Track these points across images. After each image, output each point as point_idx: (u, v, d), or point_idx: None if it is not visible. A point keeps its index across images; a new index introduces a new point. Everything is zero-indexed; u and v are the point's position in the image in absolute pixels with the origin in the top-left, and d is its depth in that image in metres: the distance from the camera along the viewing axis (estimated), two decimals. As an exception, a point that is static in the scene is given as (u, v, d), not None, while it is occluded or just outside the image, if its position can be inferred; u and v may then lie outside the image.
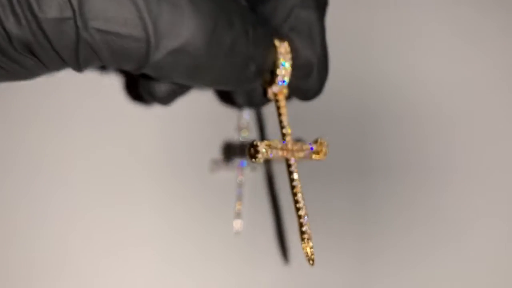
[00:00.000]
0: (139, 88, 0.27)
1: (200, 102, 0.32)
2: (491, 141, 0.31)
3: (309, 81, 0.25)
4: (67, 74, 0.32)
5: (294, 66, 0.24)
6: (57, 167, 0.31)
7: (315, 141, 0.25)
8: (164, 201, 0.31)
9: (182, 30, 0.20)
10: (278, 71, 0.24)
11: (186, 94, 0.28)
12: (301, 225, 0.23)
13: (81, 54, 0.20)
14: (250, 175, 0.32)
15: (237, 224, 0.31)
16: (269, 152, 0.23)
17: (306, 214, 0.23)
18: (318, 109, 0.32)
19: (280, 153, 0.24)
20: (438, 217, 0.30)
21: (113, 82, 0.32)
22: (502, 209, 0.31)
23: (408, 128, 0.32)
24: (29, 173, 0.31)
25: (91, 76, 0.32)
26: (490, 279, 0.29)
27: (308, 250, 0.23)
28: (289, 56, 0.24)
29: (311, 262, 0.23)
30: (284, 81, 0.25)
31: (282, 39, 0.24)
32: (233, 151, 0.32)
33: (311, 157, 0.25)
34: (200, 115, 0.33)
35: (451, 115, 0.32)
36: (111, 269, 0.30)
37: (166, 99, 0.27)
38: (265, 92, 0.26)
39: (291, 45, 0.24)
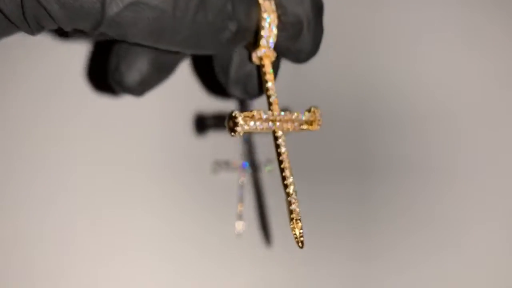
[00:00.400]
0: (108, 77, 0.25)
1: (201, 103, 0.32)
2: (492, 142, 0.31)
3: (300, 42, 0.22)
4: (67, 75, 0.32)
5: (280, 25, 0.22)
6: (57, 169, 0.31)
7: (308, 110, 0.22)
8: (166, 202, 0.31)
9: None
10: (263, 32, 0.22)
11: (160, 84, 0.26)
12: (289, 203, 0.21)
13: (27, 9, 0.18)
14: (252, 177, 0.32)
15: (239, 225, 0.31)
16: (250, 124, 0.21)
17: (294, 191, 0.21)
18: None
19: (264, 124, 0.21)
20: (438, 218, 0.30)
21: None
22: (502, 210, 0.31)
23: (408, 128, 0.32)
24: (29, 175, 0.31)
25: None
26: (490, 280, 0.30)
27: (297, 231, 0.21)
28: (274, 13, 0.22)
29: (300, 244, 0.21)
30: (270, 43, 0.22)
31: None
32: (235, 153, 0.32)
33: (302, 128, 0.22)
34: (201, 116, 0.32)
35: (452, 115, 0.32)
36: (112, 271, 0.30)
37: (137, 89, 0.25)
38: (250, 57, 0.23)
39: (279, 4, 0.22)
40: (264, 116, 0.21)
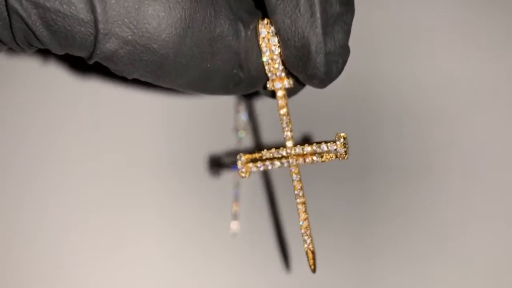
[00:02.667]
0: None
1: (197, 103, 0.32)
2: (492, 142, 0.31)
3: (311, 67, 0.18)
4: (67, 75, 0.32)
5: (285, 51, 0.18)
6: (56, 168, 0.31)
7: (333, 141, 0.20)
8: (161, 202, 0.31)
9: (142, 18, 0.16)
10: (265, 64, 0.19)
11: None
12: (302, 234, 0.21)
13: (17, 33, 0.17)
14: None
15: (234, 225, 0.31)
16: (259, 166, 0.20)
17: (309, 227, 0.21)
18: (318, 109, 0.31)
19: (276, 164, 0.20)
20: (438, 217, 0.30)
21: (114, 83, 0.32)
22: (501, 209, 0.30)
23: (408, 128, 0.31)
24: (29, 174, 0.31)
25: (91, 77, 0.32)
26: (490, 279, 0.29)
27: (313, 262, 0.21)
28: (275, 38, 0.18)
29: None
30: (277, 73, 0.19)
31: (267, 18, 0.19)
32: (230, 152, 0.32)
33: (323, 160, 0.20)
34: (198, 116, 0.32)
35: (451, 115, 0.31)
36: (108, 270, 0.30)
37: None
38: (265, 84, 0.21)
39: (278, 22, 0.18)
40: (275, 155, 0.20)
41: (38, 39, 0.17)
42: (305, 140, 0.31)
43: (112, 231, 0.31)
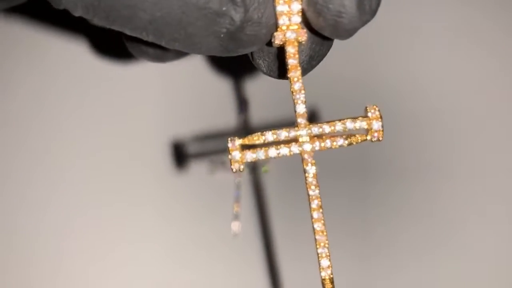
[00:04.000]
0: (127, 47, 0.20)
1: (199, 102, 0.32)
2: (491, 142, 0.31)
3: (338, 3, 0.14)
4: (67, 73, 0.32)
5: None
6: (56, 166, 0.31)
7: (362, 116, 0.15)
8: (162, 202, 0.31)
9: None
10: (279, 8, 0.14)
11: (182, 57, 0.19)
12: (318, 257, 0.15)
13: None
14: (248, 177, 0.31)
15: (235, 226, 0.31)
16: (249, 156, 0.14)
17: (326, 244, 0.15)
18: (317, 109, 0.31)
19: (282, 150, 0.14)
20: (438, 216, 0.30)
21: (113, 81, 0.32)
22: (501, 209, 0.31)
23: (407, 128, 0.32)
24: (28, 172, 0.31)
25: (91, 75, 0.32)
26: (490, 279, 0.30)
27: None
28: None
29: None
30: (293, 20, 0.14)
31: None
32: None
33: (352, 141, 0.15)
34: (199, 115, 0.32)
35: (451, 115, 0.32)
36: (108, 269, 0.30)
37: (153, 55, 0.18)
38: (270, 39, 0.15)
39: None
40: (283, 135, 0.14)
41: None
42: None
43: (112, 232, 0.31)
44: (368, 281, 0.30)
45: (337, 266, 0.29)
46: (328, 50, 0.16)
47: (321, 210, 0.15)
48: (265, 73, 0.16)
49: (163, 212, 0.31)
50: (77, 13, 0.14)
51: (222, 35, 0.14)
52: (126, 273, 0.30)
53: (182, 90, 0.32)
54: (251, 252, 0.30)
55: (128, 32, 0.14)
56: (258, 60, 0.16)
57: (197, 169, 0.32)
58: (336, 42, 0.20)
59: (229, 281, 0.30)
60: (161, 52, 0.18)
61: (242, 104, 0.31)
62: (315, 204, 0.15)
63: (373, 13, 0.14)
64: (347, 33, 0.14)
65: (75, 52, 0.31)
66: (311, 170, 0.15)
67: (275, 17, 0.14)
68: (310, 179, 0.15)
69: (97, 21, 0.14)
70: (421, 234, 0.30)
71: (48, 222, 0.30)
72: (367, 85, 0.32)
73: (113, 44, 0.26)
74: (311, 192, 0.15)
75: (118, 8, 0.13)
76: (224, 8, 0.13)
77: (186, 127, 0.32)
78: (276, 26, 0.14)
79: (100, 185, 0.31)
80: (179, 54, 0.19)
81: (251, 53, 0.16)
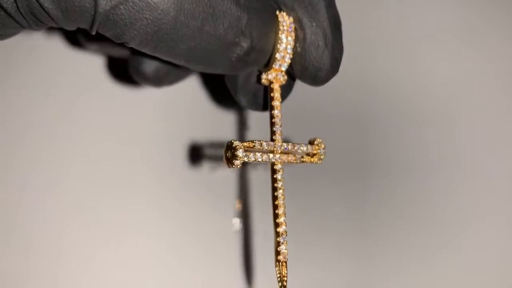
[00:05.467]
0: (128, 68, 0.24)
1: (201, 100, 0.32)
2: (492, 142, 0.31)
3: (319, 61, 0.20)
4: (66, 71, 0.32)
5: (298, 45, 0.20)
6: (55, 164, 0.31)
7: (311, 142, 0.21)
8: (164, 199, 0.31)
9: None
10: (277, 54, 0.20)
11: (181, 80, 0.25)
12: (277, 244, 0.19)
13: (20, 2, 0.17)
14: (249, 173, 0.32)
15: (236, 222, 0.31)
16: (249, 156, 0.19)
17: (285, 232, 0.19)
18: (317, 109, 0.31)
19: (264, 156, 0.19)
20: (438, 216, 0.30)
21: (113, 79, 0.32)
22: (501, 209, 0.31)
23: (408, 128, 0.32)
24: (27, 170, 0.31)
25: (91, 73, 0.32)
26: (490, 279, 0.30)
27: (282, 273, 0.19)
28: (292, 34, 0.20)
29: (282, 286, 0.19)
30: (283, 66, 0.20)
31: (286, 11, 0.20)
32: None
33: (303, 160, 0.21)
34: (201, 113, 0.32)
35: (452, 115, 0.32)
36: (109, 266, 0.30)
37: (156, 79, 0.23)
38: (259, 77, 0.21)
39: (296, 19, 0.20)
40: (266, 147, 0.19)
41: (40, 5, 0.17)
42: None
43: (115, 229, 0.31)
44: (368, 280, 0.30)
45: (337, 266, 0.30)
46: (290, 92, 0.22)
47: (283, 207, 0.19)
48: (244, 106, 0.22)
49: (164, 209, 0.31)
50: (131, 45, 0.18)
51: (235, 57, 0.19)
52: (128, 270, 0.30)
53: (183, 92, 0.32)
54: (252, 248, 0.31)
55: (165, 58, 0.19)
56: (239, 96, 0.22)
57: (199, 166, 0.32)
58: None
59: (231, 277, 0.30)
60: (163, 76, 0.23)
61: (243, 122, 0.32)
62: (281, 201, 0.19)
63: (337, 70, 0.21)
64: (323, 83, 0.21)
65: (76, 52, 0.31)
66: (278, 174, 0.20)
67: (271, 51, 0.20)
68: (279, 183, 0.20)
69: (144, 50, 0.18)
70: (421, 235, 0.30)
71: (48, 220, 0.30)
72: (367, 84, 0.32)
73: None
74: (277, 193, 0.19)
75: (166, 41, 0.18)
76: (237, 39, 0.19)
77: (186, 126, 0.32)
78: (270, 55, 0.20)
79: (99, 183, 0.31)
80: (176, 79, 0.24)
81: (234, 90, 0.22)
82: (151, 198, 0.31)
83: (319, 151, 0.21)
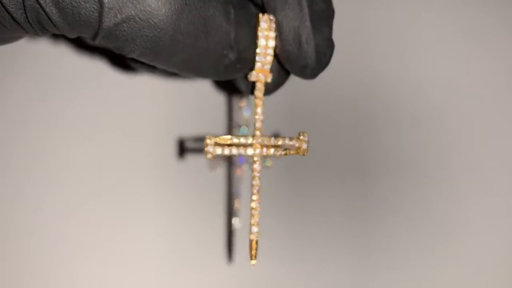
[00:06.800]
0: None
1: (199, 97, 0.32)
2: (489, 142, 0.31)
3: (302, 58, 0.21)
4: (66, 70, 0.32)
5: (279, 44, 0.21)
6: (54, 163, 0.31)
7: (296, 137, 0.22)
8: (162, 197, 0.31)
9: None
10: (257, 56, 0.21)
11: None
12: (250, 243, 0.22)
13: (29, 13, 0.19)
14: (249, 172, 0.32)
15: (235, 221, 0.31)
16: (219, 150, 0.21)
17: (257, 217, 0.21)
18: (316, 109, 0.31)
19: (240, 150, 0.21)
20: (436, 216, 0.30)
21: (113, 78, 0.32)
22: (499, 208, 0.30)
23: (406, 127, 0.31)
24: (26, 170, 0.31)
25: (90, 71, 0.32)
26: (488, 278, 0.30)
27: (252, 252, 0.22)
28: (272, 33, 0.21)
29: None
30: (265, 67, 0.21)
31: (268, 13, 0.21)
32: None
33: (287, 153, 0.22)
34: (199, 110, 0.32)
35: (449, 115, 0.31)
36: (104, 264, 0.30)
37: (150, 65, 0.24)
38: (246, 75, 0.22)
39: (276, 20, 0.20)
40: (242, 141, 0.21)
41: (48, 17, 0.18)
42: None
43: (111, 228, 0.31)
44: (368, 280, 0.30)
45: (337, 265, 0.29)
46: (287, 79, 0.23)
47: (258, 195, 0.21)
48: (243, 91, 0.24)
49: (160, 206, 0.31)
50: (129, 56, 0.20)
51: (223, 67, 0.21)
52: (124, 268, 0.30)
53: (181, 88, 0.32)
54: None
55: (160, 66, 0.21)
56: (240, 83, 0.23)
57: (196, 164, 0.32)
58: (336, 40, 0.21)
59: (229, 277, 0.30)
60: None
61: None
62: (255, 190, 0.21)
63: (326, 65, 0.21)
64: (312, 78, 0.22)
65: (75, 51, 0.31)
66: (257, 166, 0.21)
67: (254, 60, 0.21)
68: (255, 172, 0.21)
69: (141, 60, 0.20)
70: (421, 233, 0.30)
71: (45, 218, 0.30)
72: (366, 84, 0.32)
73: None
74: (253, 182, 0.21)
75: (162, 54, 0.20)
76: (225, 52, 0.20)
77: (185, 123, 0.32)
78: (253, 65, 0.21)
79: (97, 182, 0.31)
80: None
81: (236, 79, 0.23)
82: (148, 197, 0.31)
83: (302, 144, 0.21)
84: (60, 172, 0.31)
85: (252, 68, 0.22)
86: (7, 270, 0.30)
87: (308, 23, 0.20)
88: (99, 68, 0.32)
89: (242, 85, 0.23)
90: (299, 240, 0.30)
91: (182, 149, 0.31)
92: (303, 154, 0.22)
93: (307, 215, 0.31)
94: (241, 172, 0.31)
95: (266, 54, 0.21)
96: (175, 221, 0.31)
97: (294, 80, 0.31)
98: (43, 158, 0.31)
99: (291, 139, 0.22)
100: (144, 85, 0.32)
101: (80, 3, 0.18)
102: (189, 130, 0.32)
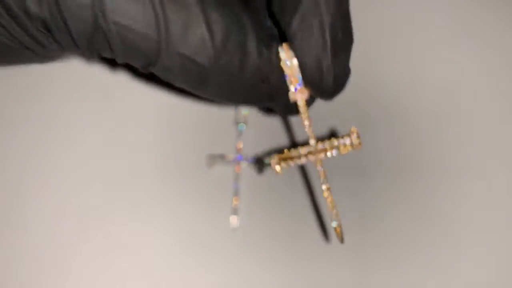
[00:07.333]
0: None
1: (197, 97, 0.31)
2: (489, 141, 0.32)
3: (323, 83, 0.23)
4: (67, 70, 0.31)
5: (302, 68, 0.23)
6: (55, 163, 0.30)
7: (347, 134, 0.24)
8: (160, 196, 0.30)
9: (191, 39, 0.20)
10: (287, 81, 0.23)
11: None
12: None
13: (95, 43, 0.20)
14: (247, 169, 0.31)
15: (234, 220, 0.30)
16: (285, 165, 0.24)
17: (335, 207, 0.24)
18: (318, 109, 0.31)
19: (303, 159, 0.24)
20: (435, 216, 0.31)
21: (112, 78, 0.31)
22: (499, 208, 0.31)
23: (406, 126, 0.32)
24: (29, 173, 0.30)
25: (90, 72, 0.31)
26: (487, 277, 0.30)
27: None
28: (293, 58, 0.23)
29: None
30: (295, 88, 0.23)
31: (288, 42, 0.23)
32: (230, 145, 0.31)
33: (344, 150, 0.24)
34: (198, 108, 0.31)
35: (449, 114, 0.32)
36: (107, 265, 0.29)
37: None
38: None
39: (299, 44, 0.22)
40: (303, 152, 0.24)
41: (109, 47, 0.21)
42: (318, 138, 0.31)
43: (110, 227, 0.29)
44: (368, 280, 0.30)
45: (335, 263, 0.29)
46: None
47: (329, 192, 0.24)
48: (279, 114, 0.27)
49: (162, 206, 0.30)
50: (172, 83, 0.22)
51: (257, 98, 0.23)
52: (124, 266, 0.29)
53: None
54: (250, 246, 0.30)
55: (198, 94, 0.23)
56: (276, 108, 0.26)
57: (196, 162, 0.31)
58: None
59: (228, 275, 0.29)
60: None
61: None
62: (325, 189, 0.24)
63: (343, 89, 0.24)
64: (327, 100, 0.24)
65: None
66: (320, 169, 0.24)
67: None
68: (321, 174, 0.24)
69: (182, 87, 0.22)
70: (419, 234, 0.30)
71: (45, 218, 0.29)
72: (368, 84, 0.32)
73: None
74: (323, 187, 0.24)
75: (202, 86, 0.22)
76: (257, 85, 0.23)
77: (186, 120, 0.31)
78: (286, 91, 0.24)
79: (96, 181, 0.30)
80: None
81: (271, 105, 0.25)
82: (147, 195, 0.30)
83: (355, 140, 0.24)
84: (60, 172, 0.30)
85: (285, 93, 0.24)
86: (8, 271, 0.28)
87: (329, 52, 0.22)
88: (102, 67, 0.31)
89: (278, 110, 0.26)
90: (299, 239, 0.30)
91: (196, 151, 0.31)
92: (359, 147, 0.24)
93: (305, 214, 0.31)
94: (239, 169, 0.31)
95: (295, 78, 0.23)
96: (177, 220, 0.30)
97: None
98: (45, 158, 0.30)
99: (343, 137, 0.24)
100: (145, 84, 0.31)
101: (142, 41, 0.20)
102: (190, 127, 0.31)
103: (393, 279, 0.30)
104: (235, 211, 0.30)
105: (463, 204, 0.31)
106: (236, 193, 0.31)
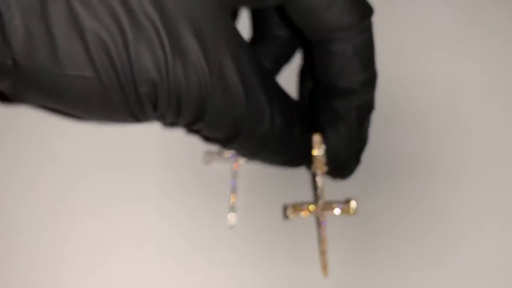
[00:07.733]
0: None
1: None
2: (498, 141, 0.31)
3: (339, 171, 0.28)
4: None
5: (326, 155, 0.27)
6: (54, 163, 0.30)
7: (346, 201, 0.28)
8: (158, 194, 0.30)
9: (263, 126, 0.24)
10: (314, 159, 0.27)
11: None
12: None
13: (146, 108, 0.22)
14: (245, 166, 0.31)
15: (231, 217, 0.30)
16: (298, 215, 0.28)
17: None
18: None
19: (308, 214, 0.28)
20: (443, 217, 0.30)
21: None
22: (501, 207, 0.30)
23: (412, 127, 0.32)
24: (26, 170, 0.30)
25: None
26: (495, 281, 0.29)
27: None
28: (321, 147, 0.27)
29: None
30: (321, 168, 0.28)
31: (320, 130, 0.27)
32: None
33: (341, 214, 0.28)
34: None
35: (457, 113, 0.32)
36: (106, 264, 0.29)
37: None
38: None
39: (323, 135, 0.27)
40: (311, 208, 0.28)
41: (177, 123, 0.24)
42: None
43: (109, 225, 0.29)
44: (368, 281, 0.30)
45: (336, 265, 0.29)
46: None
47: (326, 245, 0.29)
48: (309, 169, 0.29)
49: (159, 204, 0.30)
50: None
51: (292, 166, 0.29)
52: (122, 265, 0.29)
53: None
54: (247, 243, 0.30)
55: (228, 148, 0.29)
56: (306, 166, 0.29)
57: (193, 159, 0.31)
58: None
59: (225, 272, 0.30)
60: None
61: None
62: (325, 244, 0.29)
63: (352, 174, 0.29)
64: (347, 178, 0.29)
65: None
66: (324, 222, 0.29)
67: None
68: (323, 233, 0.29)
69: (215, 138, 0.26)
70: (426, 236, 0.30)
71: (46, 218, 0.30)
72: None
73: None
74: (323, 239, 0.29)
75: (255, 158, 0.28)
76: (294, 160, 0.28)
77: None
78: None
79: (94, 179, 0.30)
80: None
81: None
82: (144, 193, 0.30)
83: (349, 210, 0.28)
84: (57, 170, 0.30)
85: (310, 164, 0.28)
86: (8, 272, 0.28)
87: (350, 151, 0.28)
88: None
89: (307, 167, 0.29)
90: (299, 239, 0.30)
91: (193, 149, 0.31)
92: (354, 214, 0.28)
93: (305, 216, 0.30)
94: (237, 166, 0.31)
95: (321, 163, 0.27)
96: (175, 217, 0.30)
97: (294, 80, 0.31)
98: (48, 159, 0.30)
99: (343, 203, 0.28)
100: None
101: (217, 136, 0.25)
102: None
103: (393, 279, 0.30)
104: (232, 209, 0.30)
105: (463, 204, 0.31)
106: (233, 190, 0.30)
